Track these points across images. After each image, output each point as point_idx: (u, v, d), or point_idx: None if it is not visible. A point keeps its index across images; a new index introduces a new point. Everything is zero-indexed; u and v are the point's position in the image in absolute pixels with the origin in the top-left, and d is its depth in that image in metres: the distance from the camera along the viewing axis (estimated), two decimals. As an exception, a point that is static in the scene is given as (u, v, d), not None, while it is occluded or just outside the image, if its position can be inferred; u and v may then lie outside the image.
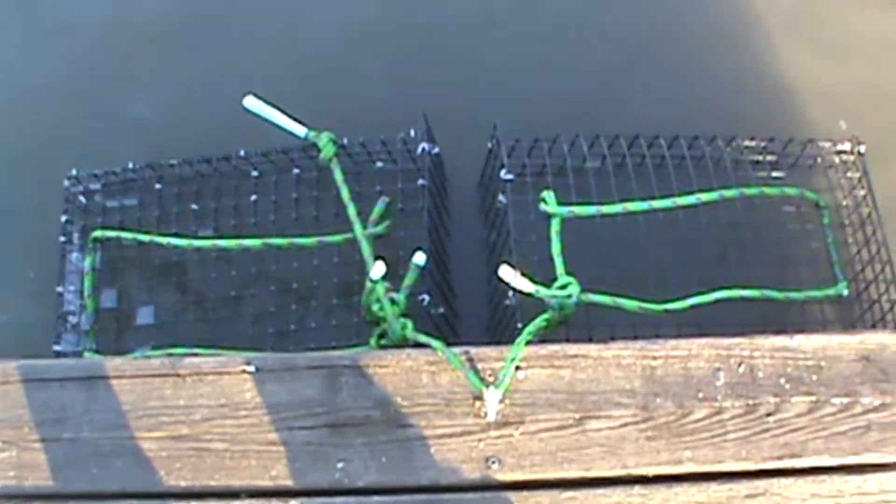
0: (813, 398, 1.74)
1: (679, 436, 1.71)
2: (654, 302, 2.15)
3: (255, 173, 2.52)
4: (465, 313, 2.45)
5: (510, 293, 2.11)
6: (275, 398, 1.72)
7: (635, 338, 1.83)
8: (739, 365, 1.76)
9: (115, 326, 2.44)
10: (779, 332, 1.84)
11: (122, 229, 2.48)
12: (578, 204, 2.22)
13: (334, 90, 2.73)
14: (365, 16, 2.86)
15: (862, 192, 2.45)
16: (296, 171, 2.51)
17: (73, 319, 2.42)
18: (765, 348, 1.78)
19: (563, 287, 2.02)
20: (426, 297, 2.17)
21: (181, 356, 1.82)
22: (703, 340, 1.79)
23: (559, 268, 2.09)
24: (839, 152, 2.52)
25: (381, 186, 2.43)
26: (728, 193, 2.32)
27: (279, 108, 2.23)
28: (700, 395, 1.74)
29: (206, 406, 1.72)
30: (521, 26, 2.83)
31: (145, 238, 2.44)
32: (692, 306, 2.20)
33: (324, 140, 2.25)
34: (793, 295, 2.32)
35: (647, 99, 2.68)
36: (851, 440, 1.71)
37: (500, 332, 2.25)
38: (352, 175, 2.38)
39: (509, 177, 2.29)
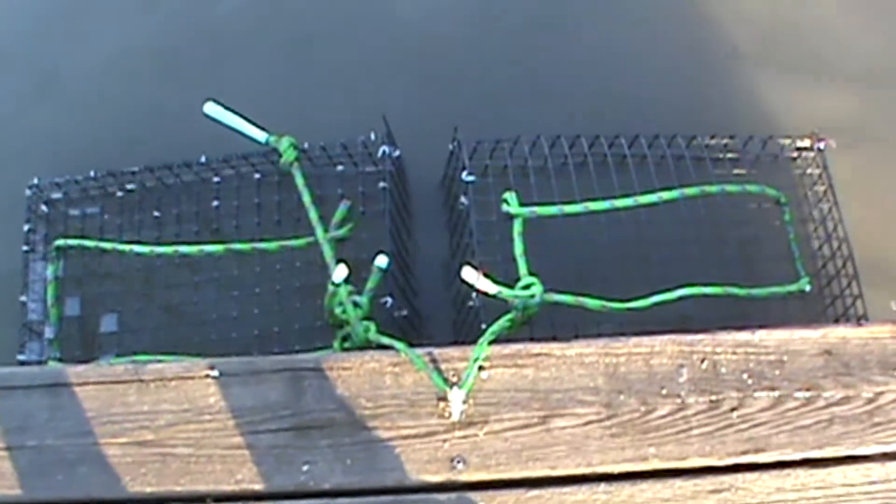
0: (776, 393, 1.74)
1: (643, 433, 1.71)
2: (618, 301, 2.15)
3: (216, 179, 2.50)
4: (430, 315, 2.45)
5: (473, 294, 2.10)
6: (239, 402, 1.71)
7: (599, 336, 1.83)
8: (702, 361, 1.77)
9: (79, 335, 2.43)
10: (742, 328, 1.84)
11: (85, 237, 2.46)
12: (540, 204, 2.22)
13: (293, 94, 2.72)
14: (326, 18, 2.85)
15: (822, 188, 2.47)
16: (257, 175, 2.50)
17: (36, 328, 2.40)
18: (727, 344, 1.78)
19: (526, 287, 2.02)
20: (389, 300, 2.16)
21: (144, 362, 1.80)
22: (666, 337, 1.79)
23: (522, 268, 2.09)
24: (799, 149, 2.54)
25: (343, 190, 2.43)
26: (689, 191, 2.34)
27: (239, 114, 2.22)
28: (663, 391, 1.74)
29: (170, 411, 1.71)
30: (486, 27, 2.84)
31: (108, 246, 2.43)
32: (655, 304, 2.21)
33: (284, 144, 2.25)
34: (755, 291, 2.34)
35: (609, 99, 2.69)
36: (815, 434, 1.71)
37: (465, 333, 2.24)
38: (313, 179, 2.37)
39: (470, 178, 2.29)
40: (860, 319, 2.29)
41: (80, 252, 2.47)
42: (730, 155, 2.52)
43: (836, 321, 2.35)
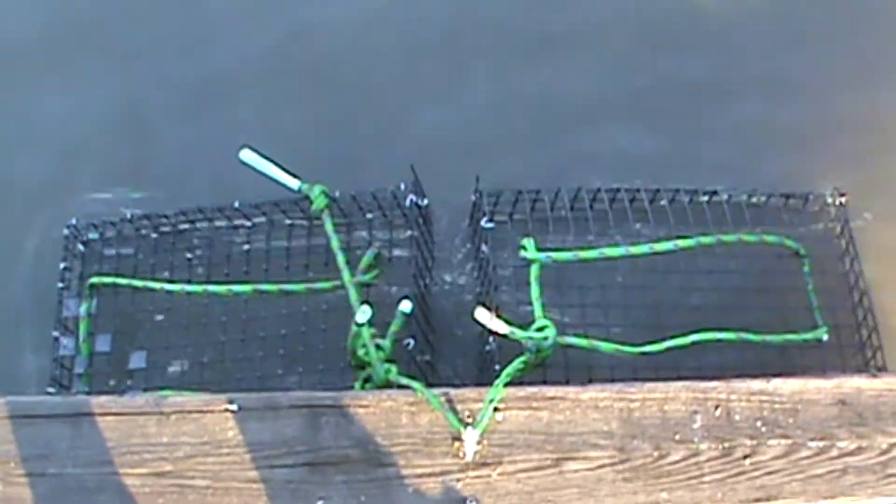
0: (789, 441, 1.75)
1: (656, 477, 1.72)
2: (631, 345, 2.18)
3: (248, 224, 2.58)
4: (449, 359, 2.48)
5: (490, 338, 2.14)
6: (256, 437, 1.74)
7: (612, 381, 1.85)
8: (716, 408, 1.78)
9: (107, 370, 2.48)
10: (756, 376, 1.85)
11: (119, 276, 2.53)
12: (557, 250, 2.27)
13: (323, 143, 2.80)
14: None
15: (843, 242, 2.49)
16: (287, 221, 2.57)
17: (67, 363, 2.46)
18: (741, 391, 1.80)
19: (540, 329, 2.06)
20: (412, 342, 2.20)
21: (166, 396, 1.85)
22: (680, 384, 1.81)
23: (537, 311, 2.12)
24: (822, 204, 2.56)
25: (370, 236, 2.49)
26: (705, 240, 2.36)
27: (273, 161, 2.30)
28: (677, 437, 1.76)
29: (188, 444, 1.74)
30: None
31: (140, 284, 2.50)
32: (669, 349, 2.22)
33: (316, 192, 2.32)
34: (769, 338, 2.34)
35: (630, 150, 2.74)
36: (828, 483, 1.72)
37: (484, 376, 2.28)
38: (342, 226, 2.44)
39: (490, 225, 2.34)
40: (880, 370, 2.29)
41: (112, 290, 2.53)
42: (753, 208, 2.54)
43: (859, 372, 2.34)
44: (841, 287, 2.48)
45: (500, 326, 1.96)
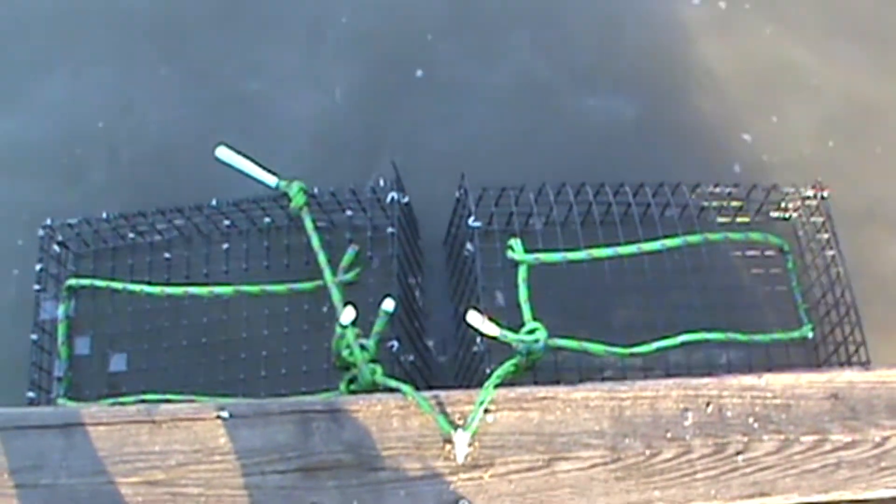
0: (782, 437, 1.75)
1: (648, 476, 1.71)
2: (621, 346, 2.17)
3: (226, 222, 2.54)
4: (435, 360, 2.47)
5: (478, 339, 2.12)
6: (248, 443, 1.73)
7: (603, 381, 1.84)
8: (708, 405, 1.77)
9: (88, 373, 2.44)
10: (747, 372, 1.86)
11: (96, 277, 2.49)
12: (544, 251, 2.25)
13: (304, 138, 2.77)
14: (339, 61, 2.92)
15: (825, 236, 2.50)
16: (267, 219, 2.53)
17: (46, 367, 2.42)
18: (733, 388, 1.79)
19: (531, 332, 2.04)
20: (395, 344, 2.17)
21: (156, 403, 1.82)
22: (671, 381, 1.80)
23: (526, 314, 2.10)
24: (803, 198, 2.57)
25: (351, 234, 2.45)
26: (692, 239, 2.36)
27: (250, 159, 2.26)
28: (668, 435, 1.75)
29: (181, 451, 1.72)
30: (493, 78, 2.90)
31: (119, 286, 2.46)
32: (658, 350, 2.22)
33: (294, 189, 2.29)
34: (757, 337, 2.35)
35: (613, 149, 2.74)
36: (821, 478, 1.72)
37: (469, 378, 2.26)
38: (322, 223, 2.40)
39: (477, 224, 2.31)
40: (864, 366, 2.30)
41: (91, 292, 2.49)
42: (734, 203, 2.55)
43: (840, 367, 2.35)
44: (823, 282, 2.48)
45: (493, 329, 1.94)
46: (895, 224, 2.69)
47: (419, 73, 2.89)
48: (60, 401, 2.36)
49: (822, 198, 2.54)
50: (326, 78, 2.89)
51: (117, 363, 2.44)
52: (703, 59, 2.92)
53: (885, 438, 1.75)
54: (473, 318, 1.91)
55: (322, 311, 2.33)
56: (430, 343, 2.51)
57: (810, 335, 2.41)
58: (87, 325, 2.48)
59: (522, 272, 2.18)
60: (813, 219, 2.56)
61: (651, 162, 2.70)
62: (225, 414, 1.74)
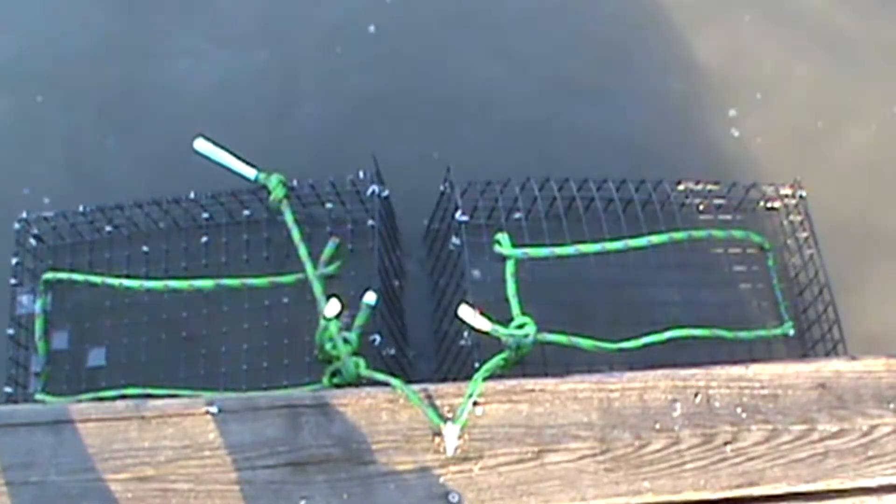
0: (770, 426, 1.75)
1: (637, 467, 1.71)
2: (608, 341, 2.17)
3: (205, 215, 2.50)
4: (419, 353, 2.46)
5: (465, 333, 2.10)
6: (237, 438, 1.71)
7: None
8: (696, 395, 1.78)
9: (66, 368, 2.40)
10: (735, 362, 1.85)
11: (74, 271, 2.44)
12: (531, 246, 2.24)
13: (282, 131, 2.75)
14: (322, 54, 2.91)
15: (804, 235, 2.52)
16: (246, 212, 2.49)
17: (23, 361, 2.38)
18: (721, 378, 1.80)
19: (521, 326, 2.04)
20: (377, 338, 2.16)
21: (145, 398, 1.81)
22: (660, 372, 1.80)
23: (515, 308, 2.10)
24: (781, 196, 2.59)
25: (332, 228, 2.43)
26: (678, 236, 2.38)
27: (229, 151, 2.23)
28: (657, 425, 1.75)
29: (170, 447, 1.71)
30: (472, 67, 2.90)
31: (97, 280, 2.41)
32: (645, 345, 2.23)
33: (273, 182, 2.27)
34: (741, 334, 2.38)
35: (593, 143, 2.75)
36: (809, 467, 1.73)
37: (453, 372, 2.24)
38: (302, 216, 2.37)
39: (464, 218, 2.30)
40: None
41: (68, 286, 2.45)
42: (716, 200, 2.57)
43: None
44: (801, 280, 2.51)
45: (484, 324, 1.94)
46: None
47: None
48: (38, 396, 2.33)
49: (801, 197, 2.56)
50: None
51: (96, 358, 2.40)
52: (686, 52, 2.93)
53: (873, 427, 1.76)
54: (465, 312, 1.90)
55: (303, 303, 2.29)
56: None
57: (791, 332, 2.43)
58: (65, 319, 2.45)
59: (510, 267, 2.18)
60: (792, 217, 2.58)
61: (638, 159, 2.71)
62: (214, 409, 1.73)
